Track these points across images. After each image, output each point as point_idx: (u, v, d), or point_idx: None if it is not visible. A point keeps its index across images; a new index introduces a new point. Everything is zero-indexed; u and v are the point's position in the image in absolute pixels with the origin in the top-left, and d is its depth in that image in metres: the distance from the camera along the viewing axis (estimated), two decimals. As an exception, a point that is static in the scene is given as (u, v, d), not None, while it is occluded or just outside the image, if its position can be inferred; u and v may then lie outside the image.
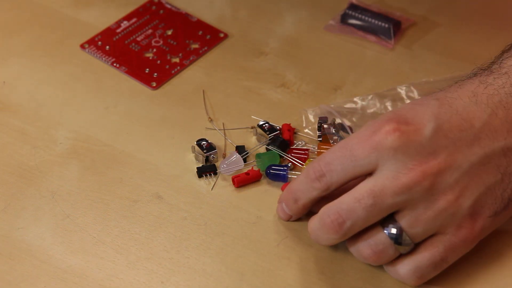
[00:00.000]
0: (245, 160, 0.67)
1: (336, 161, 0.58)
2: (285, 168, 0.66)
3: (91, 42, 0.78)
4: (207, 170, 0.67)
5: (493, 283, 0.60)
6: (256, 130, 0.69)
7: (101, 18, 0.79)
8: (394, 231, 0.57)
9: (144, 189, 0.66)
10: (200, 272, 0.61)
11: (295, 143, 0.69)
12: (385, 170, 0.56)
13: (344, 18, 0.78)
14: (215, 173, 0.67)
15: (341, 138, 0.68)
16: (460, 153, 0.56)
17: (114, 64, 0.76)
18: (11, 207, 0.65)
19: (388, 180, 0.56)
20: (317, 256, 0.62)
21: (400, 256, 0.58)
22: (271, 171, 0.66)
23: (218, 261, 0.62)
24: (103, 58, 0.76)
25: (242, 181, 0.66)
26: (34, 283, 0.61)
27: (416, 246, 0.58)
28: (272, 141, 0.68)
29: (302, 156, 0.67)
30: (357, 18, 0.78)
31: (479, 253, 0.61)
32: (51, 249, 0.63)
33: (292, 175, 0.66)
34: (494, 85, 0.58)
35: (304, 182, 0.60)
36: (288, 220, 0.63)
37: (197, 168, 0.67)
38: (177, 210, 0.65)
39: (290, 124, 0.69)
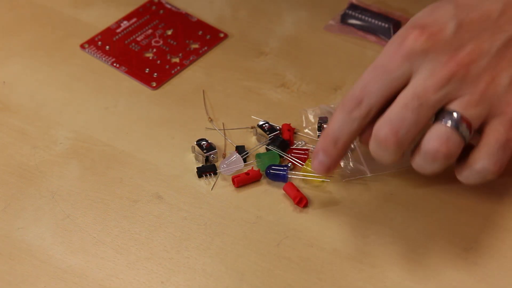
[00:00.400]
0: (245, 160, 0.68)
1: (371, 82, 0.59)
2: (285, 168, 0.66)
3: (91, 42, 0.78)
4: (207, 170, 0.67)
5: (493, 283, 0.60)
6: (256, 130, 0.69)
7: (101, 18, 0.79)
8: (450, 120, 0.58)
9: (144, 189, 0.66)
10: (200, 272, 0.61)
11: (295, 143, 0.69)
12: (421, 73, 0.58)
13: (344, 18, 0.78)
14: (215, 173, 0.67)
15: None
16: (485, 41, 0.59)
17: (114, 64, 0.76)
18: (11, 207, 0.65)
19: (427, 79, 0.58)
20: (317, 256, 0.62)
21: (464, 153, 0.59)
22: (271, 171, 0.66)
23: (218, 261, 0.62)
24: (103, 58, 0.76)
25: (242, 181, 0.66)
26: (34, 283, 0.61)
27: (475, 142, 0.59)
28: (272, 141, 0.68)
29: (302, 156, 0.67)
30: (357, 18, 0.78)
31: (478, 252, 0.61)
32: (51, 249, 0.63)
33: (292, 175, 0.66)
34: None
35: (341, 117, 0.60)
36: (327, 173, 0.62)
37: (197, 168, 0.67)
38: (177, 210, 0.65)
39: (290, 124, 0.69)
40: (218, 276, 0.61)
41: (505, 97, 0.59)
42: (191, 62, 0.76)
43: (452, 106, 0.58)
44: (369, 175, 0.66)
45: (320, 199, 0.65)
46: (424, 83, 0.58)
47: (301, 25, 0.79)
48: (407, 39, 0.58)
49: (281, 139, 0.68)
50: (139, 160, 0.68)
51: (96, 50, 0.77)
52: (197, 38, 0.78)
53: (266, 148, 0.68)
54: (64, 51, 0.77)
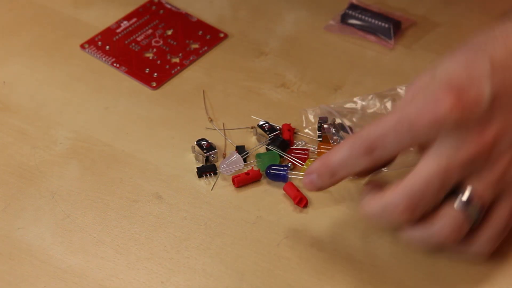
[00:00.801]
0: (245, 160, 0.67)
1: (391, 134, 0.55)
2: (285, 168, 0.66)
3: (91, 42, 0.78)
4: (207, 170, 0.67)
5: (493, 283, 0.60)
6: (256, 130, 0.69)
7: (101, 18, 0.79)
8: (464, 199, 0.56)
9: (144, 189, 0.66)
10: (200, 272, 0.61)
11: (295, 143, 0.69)
12: (446, 144, 0.55)
13: (344, 18, 0.78)
14: (215, 173, 0.67)
15: (341, 138, 0.68)
16: None
17: (114, 64, 0.76)
18: (11, 207, 0.65)
19: (452, 155, 0.55)
20: (317, 256, 0.62)
21: (471, 230, 0.57)
22: (271, 171, 0.66)
23: (218, 261, 0.62)
24: (103, 58, 0.76)
25: (242, 181, 0.66)
26: (34, 283, 0.61)
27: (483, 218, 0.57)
28: (272, 141, 0.68)
29: (302, 156, 0.67)
30: (357, 18, 0.78)
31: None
32: (51, 249, 0.63)
33: (292, 175, 0.66)
34: None
35: (347, 155, 0.57)
36: (311, 190, 0.60)
37: (197, 168, 0.67)
38: (177, 210, 0.65)
39: (290, 124, 0.69)
40: (218, 276, 0.61)
41: None
42: (191, 62, 0.76)
43: (467, 184, 0.56)
44: (372, 175, 0.66)
45: (320, 199, 0.65)
46: (448, 159, 0.54)
47: (301, 25, 0.79)
48: (441, 103, 0.54)
49: (281, 139, 0.68)
50: (139, 160, 0.68)
51: (96, 50, 0.77)
52: (197, 38, 0.78)
53: (266, 148, 0.68)
54: (64, 51, 0.77)
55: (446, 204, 0.56)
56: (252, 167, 0.67)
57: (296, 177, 0.66)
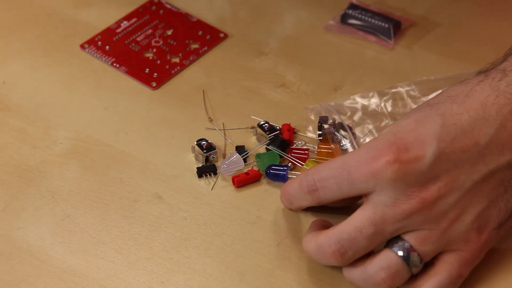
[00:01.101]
0: (245, 160, 0.67)
1: (332, 179, 0.57)
2: (285, 168, 0.66)
3: (91, 42, 0.78)
4: (207, 170, 0.67)
5: (493, 283, 0.60)
6: (256, 130, 0.69)
7: (101, 18, 0.79)
8: (401, 251, 0.56)
9: (144, 189, 0.66)
10: (200, 272, 0.61)
11: (294, 143, 0.69)
12: (383, 196, 0.55)
13: (344, 18, 0.78)
14: (215, 173, 0.67)
15: (341, 137, 0.68)
16: (462, 174, 0.55)
17: (114, 64, 0.76)
18: (11, 207, 0.65)
19: (387, 207, 0.55)
20: (317, 256, 0.62)
21: (413, 278, 0.57)
22: (271, 171, 0.66)
23: (218, 261, 0.62)
24: (103, 58, 0.76)
25: (242, 181, 0.66)
26: (34, 283, 0.61)
27: (425, 266, 0.57)
28: (272, 141, 0.68)
29: (303, 156, 0.67)
30: (357, 18, 0.78)
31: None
32: (51, 249, 0.63)
33: (292, 175, 0.66)
34: (506, 93, 0.56)
35: (296, 190, 0.59)
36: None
37: (197, 168, 0.67)
38: (177, 210, 0.65)
39: (290, 124, 0.69)
40: (218, 276, 0.61)
41: (465, 234, 0.56)
42: (191, 62, 0.76)
43: (408, 236, 0.56)
44: None
45: (320, 199, 0.65)
46: (383, 211, 0.55)
47: (301, 25, 0.79)
48: (379, 159, 0.55)
49: (281, 139, 0.68)
50: (139, 160, 0.68)
51: (96, 50, 0.77)
52: (197, 38, 0.78)
53: (266, 148, 0.68)
54: (64, 51, 0.77)
55: (386, 248, 0.57)
56: (252, 167, 0.67)
57: (290, 177, 0.66)
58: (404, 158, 0.54)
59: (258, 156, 0.67)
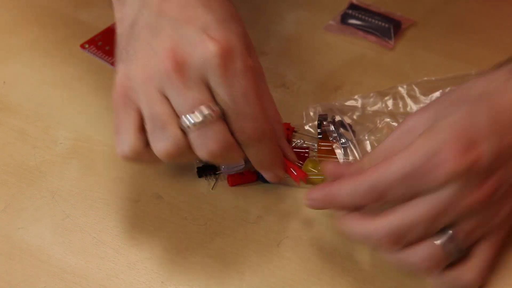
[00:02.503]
0: (246, 161, 0.67)
1: (400, 184, 0.56)
2: None
3: (91, 42, 0.78)
4: (207, 170, 0.67)
5: (493, 283, 0.60)
6: None
7: (101, 18, 0.79)
8: (446, 242, 0.57)
9: (144, 189, 0.66)
10: (200, 272, 0.61)
11: (293, 142, 0.69)
12: (446, 192, 0.55)
13: (344, 18, 0.79)
14: (215, 173, 0.67)
15: (341, 135, 0.68)
16: (510, 168, 0.57)
17: (114, 64, 0.76)
18: (11, 207, 0.65)
19: (449, 202, 0.56)
20: (317, 256, 0.62)
21: (454, 264, 0.58)
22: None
23: (218, 261, 0.62)
24: (103, 58, 0.76)
25: (236, 181, 0.66)
26: (34, 283, 0.61)
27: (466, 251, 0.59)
28: None
29: (302, 155, 0.67)
30: (357, 18, 0.78)
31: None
32: (51, 249, 0.63)
33: (286, 175, 0.66)
34: None
35: (351, 200, 0.57)
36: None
37: (197, 168, 0.67)
38: (177, 210, 0.65)
39: (289, 123, 0.69)
40: (218, 276, 0.61)
41: (502, 223, 0.58)
42: (191, 62, 0.76)
43: (455, 228, 0.57)
44: None
45: (320, 199, 0.65)
46: (445, 205, 0.56)
47: (301, 25, 0.79)
48: (445, 154, 0.55)
49: None
50: (139, 160, 0.68)
51: (96, 50, 0.77)
52: (197, 38, 0.78)
53: None
54: (64, 51, 0.77)
55: (431, 238, 0.57)
56: (249, 168, 0.67)
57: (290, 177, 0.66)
58: (468, 156, 0.55)
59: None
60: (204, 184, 0.67)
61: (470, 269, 0.58)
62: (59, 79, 0.75)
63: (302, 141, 0.69)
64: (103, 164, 0.68)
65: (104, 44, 0.77)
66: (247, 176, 0.66)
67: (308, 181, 0.66)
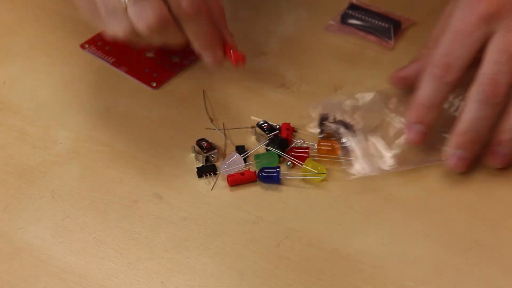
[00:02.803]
0: (245, 160, 0.67)
1: (455, 47, 0.63)
2: (277, 169, 0.66)
3: (91, 42, 0.78)
4: (207, 170, 0.67)
5: (493, 283, 0.60)
6: (256, 130, 0.69)
7: (101, 18, 0.79)
8: None
9: (144, 189, 0.66)
10: (200, 272, 0.61)
11: (293, 142, 0.69)
12: (499, 31, 0.62)
13: (344, 18, 0.78)
14: (215, 173, 0.67)
15: (342, 135, 0.68)
16: None
17: (114, 64, 0.76)
18: (11, 207, 0.65)
19: (506, 34, 0.62)
20: (317, 256, 0.62)
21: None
22: (263, 173, 0.66)
23: (218, 261, 0.62)
24: (103, 58, 0.76)
25: (236, 181, 0.66)
26: (34, 283, 0.61)
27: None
28: (271, 141, 0.68)
29: (302, 155, 0.67)
30: (357, 18, 0.78)
31: (478, 252, 0.61)
32: (51, 249, 0.63)
33: (286, 175, 0.66)
34: None
35: (433, 85, 0.64)
36: (424, 142, 0.66)
37: (197, 168, 0.67)
38: (177, 210, 0.65)
39: (289, 123, 0.69)
40: (218, 276, 0.61)
41: None
42: (192, 62, 0.76)
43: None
44: (373, 174, 0.66)
45: (320, 199, 0.65)
46: (504, 38, 0.62)
47: (301, 25, 0.79)
48: (480, 3, 0.62)
49: (280, 139, 0.68)
50: (139, 160, 0.68)
51: (96, 50, 0.77)
52: (197, 38, 0.78)
53: (266, 148, 0.68)
54: (64, 51, 0.77)
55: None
56: (249, 168, 0.67)
57: (290, 177, 0.66)
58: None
59: (257, 156, 0.67)
60: (204, 184, 0.67)
61: None
62: (59, 79, 0.75)
63: (302, 141, 0.69)
64: (103, 164, 0.68)
65: (104, 44, 0.77)
66: (247, 176, 0.66)
67: (308, 181, 0.66)
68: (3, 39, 0.78)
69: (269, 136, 0.68)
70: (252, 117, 0.71)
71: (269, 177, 0.66)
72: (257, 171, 0.66)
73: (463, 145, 0.64)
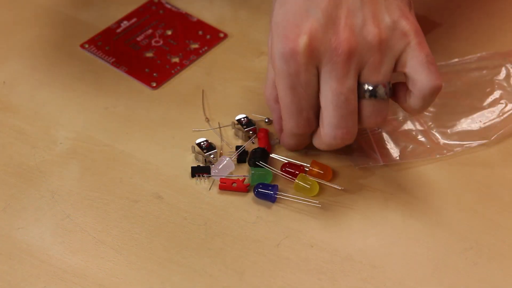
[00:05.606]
0: (242, 161, 0.67)
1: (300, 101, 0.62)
2: (273, 188, 0.65)
3: (91, 42, 0.78)
4: (200, 171, 0.67)
5: (493, 283, 0.60)
6: (234, 124, 0.69)
7: (101, 18, 0.79)
8: (372, 92, 0.61)
9: (144, 189, 0.66)
10: (200, 272, 0.61)
11: (271, 143, 0.68)
12: (324, 66, 0.60)
13: (344, 18, 0.78)
14: (208, 175, 0.66)
15: None
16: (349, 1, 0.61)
17: (114, 64, 0.76)
18: (11, 207, 0.65)
19: (332, 71, 0.60)
20: (317, 256, 0.62)
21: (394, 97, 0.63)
22: (258, 190, 0.65)
23: (218, 261, 0.62)
24: (103, 58, 0.76)
25: (226, 188, 0.65)
26: (34, 283, 0.61)
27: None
28: (252, 155, 0.67)
29: (296, 172, 0.66)
30: (357, 18, 0.78)
31: (478, 252, 0.61)
32: (51, 249, 0.63)
33: (280, 195, 0.65)
34: None
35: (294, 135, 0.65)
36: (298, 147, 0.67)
37: (192, 167, 0.67)
38: (177, 210, 0.65)
39: (268, 130, 0.69)
40: (218, 276, 0.61)
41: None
42: (191, 62, 0.76)
43: (364, 77, 0.60)
44: (381, 164, 0.66)
45: (320, 200, 0.65)
46: (332, 76, 0.60)
47: (301, 25, 0.79)
48: (291, 43, 0.61)
49: (260, 150, 0.67)
50: (139, 160, 0.68)
51: (96, 50, 0.77)
52: (197, 38, 0.78)
53: (256, 164, 0.67)
54: (64, 51, 0.77)
55: (360, 100, 0.61)
56: (241, 178, 0.66)
57: (285, 198, 0.66)
58: (305, 28, 0.61)
59: (253, 169, 0.66)
60: (204, 184, 0.67)
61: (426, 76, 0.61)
62: (59, 79, 0.75)
63: (278, 141, 0.69)
64: (103, 164, 0.68)
65: (104, 44, 0.77)
66: (238, 187, 0.65)
67: (300, 191, 0.65)
68: (3, 39, 0.78)
69: (245, 130, 0.68)
70: (253, 115, 0.71)
71: (264, 194, 0.65)
72: (250, 184, 0.66)
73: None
